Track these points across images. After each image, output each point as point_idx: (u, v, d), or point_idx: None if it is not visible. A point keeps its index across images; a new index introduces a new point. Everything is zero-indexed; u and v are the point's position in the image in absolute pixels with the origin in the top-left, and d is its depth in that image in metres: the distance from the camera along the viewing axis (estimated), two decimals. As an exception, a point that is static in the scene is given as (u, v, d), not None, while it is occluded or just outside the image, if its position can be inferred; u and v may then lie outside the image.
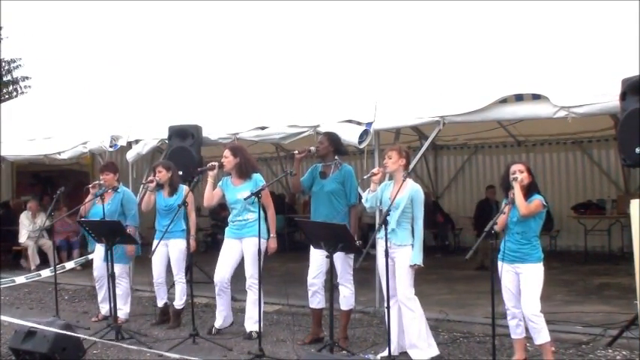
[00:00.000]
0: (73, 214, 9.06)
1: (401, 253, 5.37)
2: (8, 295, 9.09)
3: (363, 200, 5.65)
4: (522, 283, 5.06)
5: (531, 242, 5.08)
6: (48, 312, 7.71)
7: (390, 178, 5.52)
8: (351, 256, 5.88)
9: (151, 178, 7.11)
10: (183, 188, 7.06)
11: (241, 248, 6.40)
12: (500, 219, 5.09)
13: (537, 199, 5.07)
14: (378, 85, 7.66)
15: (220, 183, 6.51)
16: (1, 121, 10.97)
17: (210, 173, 6.37)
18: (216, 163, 6.40)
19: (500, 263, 5.11)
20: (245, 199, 6.24)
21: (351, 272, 5.93)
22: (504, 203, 5.13)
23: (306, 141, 7.61)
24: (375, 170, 5.48)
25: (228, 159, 6.41)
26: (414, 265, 5.33)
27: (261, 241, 5.95)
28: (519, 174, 5.07)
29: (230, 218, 6.54)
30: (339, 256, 5.48)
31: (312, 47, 10.19)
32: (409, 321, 5.42)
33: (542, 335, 5.02)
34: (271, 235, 6.33)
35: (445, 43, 8.38)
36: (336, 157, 6.16)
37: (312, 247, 6.01)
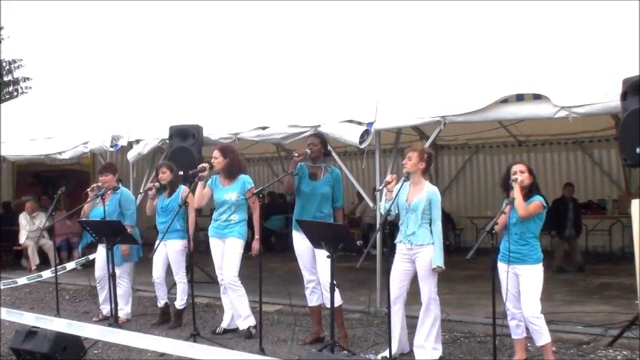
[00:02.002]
0: (72, 215, 9.07)
1: (423, 253, 5.35)
2: (9, 295, 9.10)
3: (381, 209, 5.59)
4: (522, 285, 5.04)
5: (530, 243, 5.06)
6: (49, 312, 7.71)
7: (406, 179, 5.45)
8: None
9: (149, 185, 7.10)
10: (182, 189, 7.07)
11: (223, 248, 6.44)
12: (501, 219, 5.07)
13: (537, 200, 5.05)
14: (378, 85, 7.66)
15: (209, 182, 6.53)
16: (1, 121, 10.97)
17: (202, 174, 6.38)
18: (207, 165, 6.41)
19: (499, 264, 5.10)
20: (246, 199, 6.29)
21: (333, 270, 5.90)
22: (505, 204, 5.11)
23: (306, 141, 7.62)
24: (388, 178, 5.41)
25: (218, 159, 6.44)
26: (436, 267, 5.31)
27: (242, 242, 6.34)
28: (520, 175, 5.06)
29: (214, 216, 6.57)
30: (322, 255, 5.47)
31: (313, 47, 10.20)
32: (424, 320, 5.42)
33: (543, 337, 5.01)
34: (255, 237, 6.33)
35: (446, 43, 8.39)
36: (324, 160, 6.20)
37: (296, 246, 6.07)
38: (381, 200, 5.54)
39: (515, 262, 5.05)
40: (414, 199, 5.37)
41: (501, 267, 5.10)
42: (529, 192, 5.08)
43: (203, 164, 6.45)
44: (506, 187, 5.15)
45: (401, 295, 5.46)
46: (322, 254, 5.35)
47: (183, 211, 6.58)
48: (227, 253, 6.41)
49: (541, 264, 5.09)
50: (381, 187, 5.44)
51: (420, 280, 5.41)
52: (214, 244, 6.54)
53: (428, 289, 5.37)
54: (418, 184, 5.42)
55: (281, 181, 6.15)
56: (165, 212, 6.99)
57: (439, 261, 5.33)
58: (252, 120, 8.15)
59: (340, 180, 6.21)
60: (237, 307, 6.45)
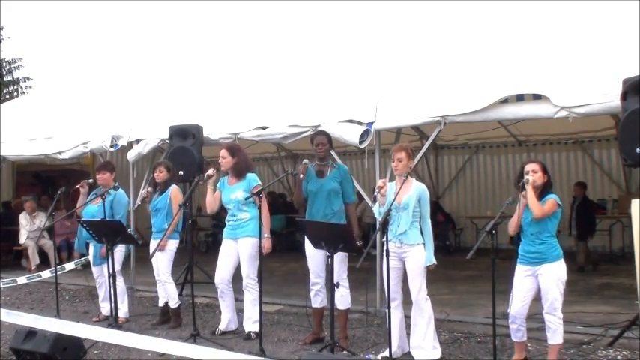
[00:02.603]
0: (72, 215, 9.06)
1: (413, 253, 5.38)
2: (9, 295, 9.10)
3: (375, 214, 5.56)
4: (542, 284, 5.00)
5: (547, 242, 5.02)
6: (49, 312, 7.71)
7: (392, 179, 5.48)
8: (345, 255, 5.88)
9: (144, 194, 7.03)
10: (171, 189, 7.05)
11: (237, 248, 6.40)
12: (513, 221, 5.08)
13: (551, 199, 5.01)
14: (378, 85, 7.66)
15: (218, 184, 6.51)
16: (1, 121, 10.97)
17: (210, 180, 6.37)
18: (214, 170, 6.39)
19: (519, 266, 5.08)
20: (246, 199, 6.28)
21: (346, 271, 5.94)
22: (507, 204, 5.07)
23: (306, 141, 7.61)
24: (380, 184, 5.41)
25: (227, 159, 6.42)
26: (431, 265, 5.36)
27: (255, 241, 6.14)
28: (532, 174, 5.01)
29: (227, 218, 6.56)
30: (335, 256, 5.45)
31: (313, 47, 10.19)
32: (418, 320, 5.42)
33: (556, 337, 4.99)
34: (265, 235, 6.29)
35: (446, 43, 8.38)
36: (331, 157, 6.21)
37: (307, 247, 6.05)
38: (374, 204, 5.51)
39: (534, 263, 5.03)
40: (404, 198, 5.36)
41: (520, 269, 5.08)
42: (543, 191, 5.05)
43: (209, 172, 6.38)
44: (521, 187, 5.08)
45: (397, 291, 5.46)
46: (335, 255, 5.36)
47: (170, 210, 6.57)
48: (243, 254, 6.36)
49: (562, 260, 5.05)
50: (376, 194, 5.43)
51: (410, 281, 5.42)
52: (226, 245, 6.49)
53: (418, 288, 5.39)
54: (407, 182, 5.39)
55: (281, 181, 6.16)
56: (155, 212, 6.97)
57: (433, 259, 5.36)
58: (252, 120, 8.15)
59: (348, 175, 6.17)
60: (249, 309, 6.40)
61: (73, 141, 9.72)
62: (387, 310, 5.33)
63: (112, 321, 6.57)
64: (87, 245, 7.76)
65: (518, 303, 5.05)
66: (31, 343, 5.46)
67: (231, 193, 6.40)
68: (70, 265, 9.31)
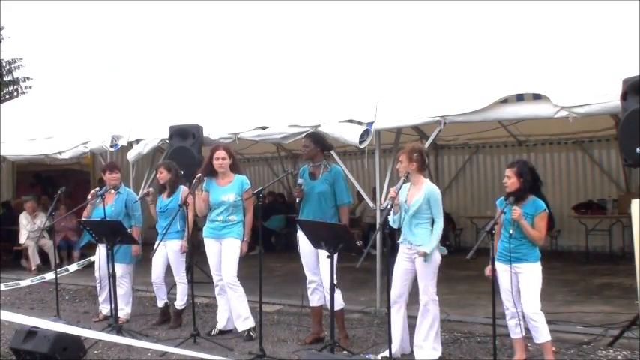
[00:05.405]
0: (72, 215, 9.07)
1: None
2: (9, 295, 9.10)
3: (390, 222, 5.49)
4: (522, 283, 5.04)
5: (528, 243, 5.04)
6: (49, 312, 7.72)
7: (406, 181, 5.44)
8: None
9: (145, 191, 7.04)
10: (181, 189, 7.06)
11: (220, 248, 6.42)
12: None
13: (540, 214, 5.01)
14: (378, 85, 7.66)
15: (205, 184, 6.47)
16: (1, 121, 10.97)
17: (200, 185, 6.37)
18: (201, 175, 6.37)
19: (498, 264, 5.07)
20: (246, 198, 6.32)
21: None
22: (506, 204, 5.07)
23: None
24: (392, 194, 5.34)
25: (226, 160, 6.43)
26: (422, 252, 5.24)
27: (239, 243, 6.32)
28: (507, 180, 5.04)
29: (211, 217, 6.49)
30: (324, 255, 5.42)
31: (313, 47, 10.20)
32: (422, 320, 5.41)
33: (542, 334, 5.02)
34: (245, 238, 6.35)
35: (446, 43, 8.39)
36: (324, 158, 6.16)
37: (300, 246, 6.05)
38: (390, 214, 5.44)
39: (514, 261, 5.03)
40: (413, 200, 5.36)
41: (500, 267, 5.08)
42: (523, 196, 5.03)
43: (199, 178, 6.39)
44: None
45: (403, 294, 5.46)
46: (325, 255, 5.34)
47: (183, 211, 6.58)
48: (225, 253, 6.38)
49: (539, 262, 5.09)
50: (386, 204, 5.37)
51: (419, 281, 5.40)
52: (210, 244, 6.49)
53: (426, 289, 5.37)
54: (417, 183, 5.40)
55: (281, 181, 6.16)
56: (164, 213, 6.97)
57: (426, 247, 5.24)
58: (252, 120, 8.15)
59: (341, 177, 6.11)
60: (236, 307, 6.43)
61: (73, 141, 9.72)
62: (387, 310, 5.32)
63: (113, 321, 6.57)
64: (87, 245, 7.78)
65: (510, 297, 5.05)
66: (31, 343, 5.47)
67: (223, 195, 6.39)
68: (73, 267, 9.34)
